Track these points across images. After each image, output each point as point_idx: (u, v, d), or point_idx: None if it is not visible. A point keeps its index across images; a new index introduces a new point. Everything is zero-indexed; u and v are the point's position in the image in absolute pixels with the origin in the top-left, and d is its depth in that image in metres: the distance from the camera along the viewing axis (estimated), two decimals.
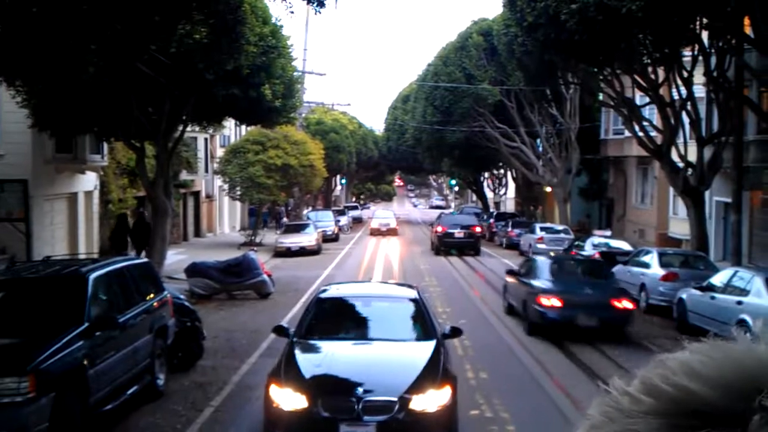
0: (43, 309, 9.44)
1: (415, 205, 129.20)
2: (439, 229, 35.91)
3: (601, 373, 12.69)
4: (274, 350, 9.26)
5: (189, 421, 9.93)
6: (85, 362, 8.72)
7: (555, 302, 15.22)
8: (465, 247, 34.93)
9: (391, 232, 48.86)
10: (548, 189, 43.69)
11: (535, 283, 16.21)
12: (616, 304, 15.43)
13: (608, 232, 33.01)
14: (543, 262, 17.94)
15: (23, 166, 20.67)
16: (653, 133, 25.00)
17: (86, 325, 9.02)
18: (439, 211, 63.23)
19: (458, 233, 35.18)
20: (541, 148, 41.33)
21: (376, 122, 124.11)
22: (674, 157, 23.52)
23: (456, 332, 9.83)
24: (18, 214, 19.28)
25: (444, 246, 34.98)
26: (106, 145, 25.83)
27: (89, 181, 26.15)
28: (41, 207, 22.08)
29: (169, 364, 11.77)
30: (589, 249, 25.40)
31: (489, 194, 70.26)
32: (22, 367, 7.81)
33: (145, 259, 12.61)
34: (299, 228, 38.34)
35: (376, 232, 48.59)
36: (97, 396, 9.01)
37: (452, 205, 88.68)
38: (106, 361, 9.32)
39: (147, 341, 10.80)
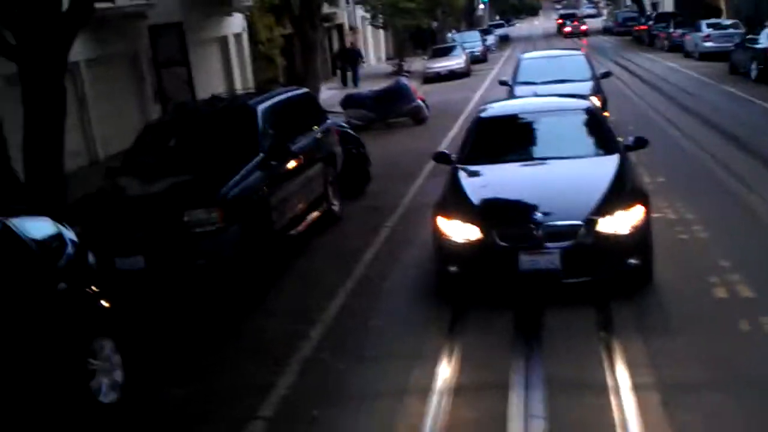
0: (218, 144, 9.65)
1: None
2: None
3: None
4: (441, 170, 9.06)
5: (369, 241, 10.16)
6: (266, 190, 8.96)
7: None
8: None
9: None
10: None
11: None
12: None
13: None
14: None
15: (174, 12, 20.95)
16: None
17: (261, 155, 9.21)
18: None
19: None
20: None
21: None
22: None
23: (641, 142, 8.85)
24: (177, 59, 19.72)
25: None
26: None
27: (237, 23, 26.34)
28: (196, 52, 22.50)
29: (341, 191, 11.99)
30: (764, 41, 23.25)
31: None
32: (211, 199, 8.11)
33: (306, 90, 12.57)
34: (446, 51, 37.40)
35: None
36: (281, 222, 9.33)
37: (604, 12, 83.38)
38: (285, 189, 9.55)
39: (319, 169, 10.98)
